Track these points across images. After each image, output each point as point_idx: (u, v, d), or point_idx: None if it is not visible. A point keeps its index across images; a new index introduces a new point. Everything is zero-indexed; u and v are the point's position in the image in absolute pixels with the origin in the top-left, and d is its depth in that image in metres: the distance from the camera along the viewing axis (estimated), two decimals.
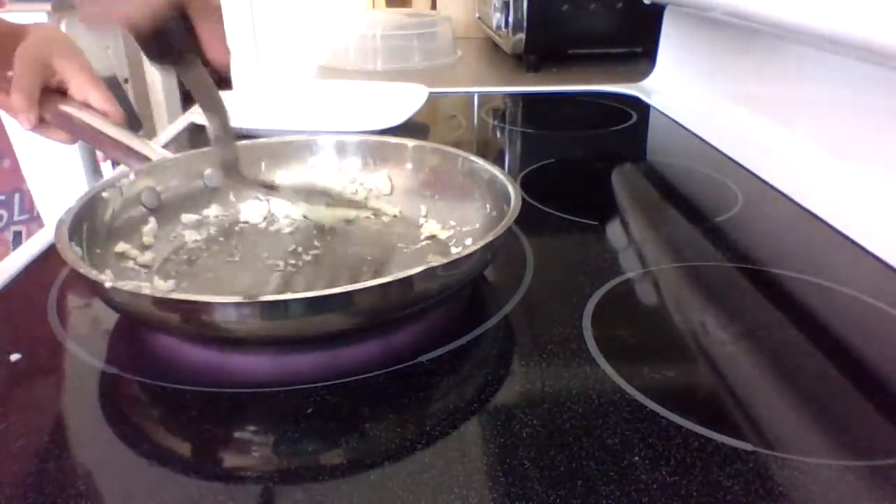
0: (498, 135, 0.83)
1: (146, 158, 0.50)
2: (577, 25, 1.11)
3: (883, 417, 0.32)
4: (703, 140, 0.74)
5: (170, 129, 0.80)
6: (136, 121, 2.84)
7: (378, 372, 0.35)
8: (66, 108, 0.52)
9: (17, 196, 0.65)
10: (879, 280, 0.45)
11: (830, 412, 0.32)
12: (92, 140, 0.52)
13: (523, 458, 0.29)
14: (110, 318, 0.39)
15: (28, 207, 0.66)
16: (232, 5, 1.35)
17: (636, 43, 1.16)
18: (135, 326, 0.39)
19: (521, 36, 1.11)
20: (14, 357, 0.36)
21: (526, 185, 0.62)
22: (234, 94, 0.94)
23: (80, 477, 0.28)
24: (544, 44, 1.12)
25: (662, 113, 0.86)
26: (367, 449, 0.30)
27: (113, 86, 2.71)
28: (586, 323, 0.39)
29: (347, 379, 0.34)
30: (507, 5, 1.11)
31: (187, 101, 3.07)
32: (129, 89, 2.91)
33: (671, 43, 0.98)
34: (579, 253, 0.49)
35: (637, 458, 0.29)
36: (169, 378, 0.34)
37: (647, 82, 1.00)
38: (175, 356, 0.36)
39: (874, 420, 0.32)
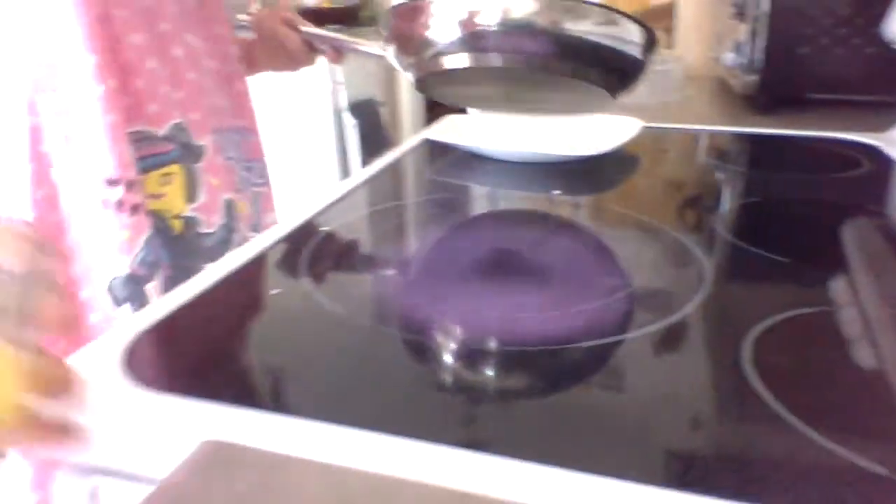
0: (709, 171, 0.83)
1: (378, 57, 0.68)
2: (820, 69, 1.06)
3: None
4: None
5: (406, 143, 0.92)
6: (386, 139, 3.17)
7: (542, 347, 0.39)
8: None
9: (258, 165, 0.79)
10: None
11: None
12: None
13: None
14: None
15: (264, 175, 0.80)
16: None
17: (885, 91, 1.07)
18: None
19: (755, 77, 1.08)
20: (274, 291, 0.47)
21: (729, 221, 0.63)
22: (467, 118, 1.04)
23: None
24: (779, 86, 1.08)
25: None
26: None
27: (370, 107, 3.06)
28: (746, 344, 0.40)
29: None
30: (742, 46, 1.10)
31: (431, 123, 3.35)
32: (383, 112, 3.25)
33: None
34: (757, 283, 0.49)
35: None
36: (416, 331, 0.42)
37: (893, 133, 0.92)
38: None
39: None
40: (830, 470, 0.30)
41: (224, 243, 0.68)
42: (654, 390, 0.36)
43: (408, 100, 3.56)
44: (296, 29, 0.79)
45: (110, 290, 0.59)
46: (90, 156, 0.57)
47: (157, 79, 0.61)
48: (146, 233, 0.60)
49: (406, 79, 0.67)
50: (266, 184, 0.79)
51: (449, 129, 0.89)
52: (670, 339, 0.42)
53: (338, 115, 2.88)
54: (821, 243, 0.58)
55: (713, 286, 0.48)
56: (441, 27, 0.59)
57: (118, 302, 0.59)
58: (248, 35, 0.82)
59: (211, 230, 0.66)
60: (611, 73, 0.60)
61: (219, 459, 0.30)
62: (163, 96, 0.62)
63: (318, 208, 0.65)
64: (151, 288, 0.60)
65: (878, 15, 0.93)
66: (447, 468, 0.30)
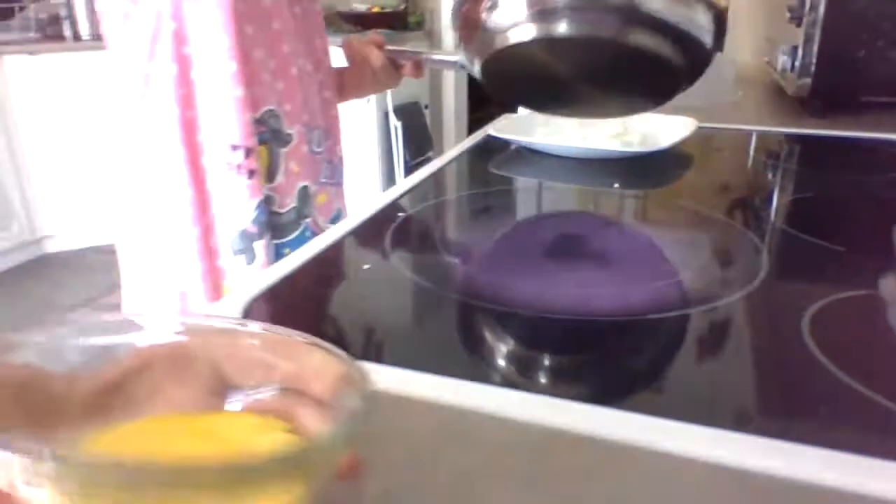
0: (763, 169, 0.86)
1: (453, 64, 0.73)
2: (874, 72, 1.07)
3: None
4: None
5: (459, 145, 0.96)
6: (429, 140, 3.22)
7: (627, 318, 0.43)
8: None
9: (339, 166, 0.85)
10: None
11: None
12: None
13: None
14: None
15: (341, 175, 0.86)
16: None
17: None
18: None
19: (807, 80, 1.10)
20: (365, 266, 0.51)
21: (783, 213, 0.66)
22: (526, 116, 1.08)
23: None
24: (833, 89, 1.10)
25: None
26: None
27: (415, 110, 3.12)
28: (805, 318, 0.43)
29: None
30: (796, 49, 1.11)
31: (473, 127, 3.40)
32: (427, 114, 3.31)
33: None
34: (813, 268, 0.52)
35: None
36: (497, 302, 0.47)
37: None
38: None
39: None
40: (885, 419, 0.33)
41: (293, 225, 0.74)
42: (723, 356, 0.40)
43: (451, 103, 3.62)
44: (381, 48, 0.84)
45: (231, 241, 0.69)
46: (221, 123, 0.67)
47: (263, 67, 0.69)
48: (260, 196, 0.69)
49: (477, 79, 0.71)
50: (341, 183, 0.86)
51: (510, 126, 0.93)
52: (735, 315, 0.45)
53: (383, 116, 2.95)
54: (872, 235, 0.61)
55: (772, 270, 0.51)
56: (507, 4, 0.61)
57: (235, 252, 0.69)
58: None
59: (282, 210, 0.73)
60: (682, 54, 0.60)
61: None
62: (264, 84, 0.69)
63: (394, 196, 0.69)
64: (260, 246, 0.69)
65: None
66: (533, 411, 0.34)
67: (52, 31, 3.00)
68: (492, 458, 0.33)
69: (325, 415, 0.27)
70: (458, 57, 0.72)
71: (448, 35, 3.45)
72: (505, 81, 0.72)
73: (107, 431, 0.27)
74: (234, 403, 0.30)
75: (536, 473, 0.32)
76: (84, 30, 2.93)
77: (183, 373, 0.30)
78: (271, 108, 0.70)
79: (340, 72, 0.87)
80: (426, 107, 3.29)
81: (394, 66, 0.85)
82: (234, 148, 0.67)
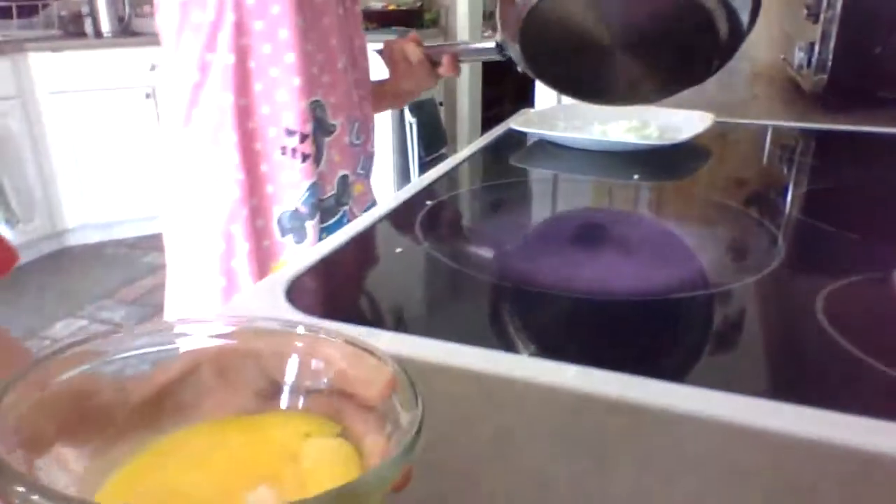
0: (779, 162, 0.88)
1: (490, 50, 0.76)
2: (892, 68, 1.08)
3: None
4: None
5: (480, 139, 0.99)
6: (443, 136, 3.25)
7: (639, 298, 0.46)
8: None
9: (371, 159, 0.89)
10: None
11: None
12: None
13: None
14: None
15: (371, 169, 0.90)
16: None
17: None
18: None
19: (823, 76, 1.11)
20: (398, 250, 0.54)
21: (799, 203, 0.68)
22: (545, 111, 1.10)
23: None
24: (849, 85, 1.11)
25: None
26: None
27: (429, 106, 3.15)
28: (819, 297, 0.45)
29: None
30: (812, 45, 1.13)
31: (486, 124, 3.43)
32: (442, 111, 3.33)
33: None
34: (827, 253, 0.54)
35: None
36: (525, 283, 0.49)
37: None
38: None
39: None
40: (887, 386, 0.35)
41: (332, 211, 0.78)
42: (741, 331, 0.42)
43: (465, 100, 3.64)
44: (419, 45, 0.87)
45: (279, 221, 0.74)
46: (279, 110, 0.72)
47: (312, 61, 0.73)
48: (312, 179, 0.74)
49: (516, 62, 0.74)
50: (370, 176, 0.89)
51: (530, 121, 0.96)
52: (753, 294, 0.48)
53: (398, 113, 2.98)
54: (885, 223, 0.63)
55: (788, 255, 0.54)
56: None
57: (283, 232, 0.74)
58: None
59: (323, 197, 0.76)
60: (724, 21, 0.62)
61: None
62: (313, 76, 0.73)
63: (421, 186, 0.72)
64: (310, 225, 0.74)
65: None
66: (563, 377, 0.36)
67: (75, 28, 3.05)
68: (526, 420, 0.35)
69: (375, 421, 0.28)
70: (497, 38, 0.75)
71: (463, 32, 3.47)
72: (543, 57, 0.73)
73: (155, 441, 0.28)
74: (284, 405, 0.30)
75: (567, 433, 0.34)
76: (105, 26, 2.98)
77: (230, 376, 0.30)
78: (317, 99, 0.75)
79: (379, 82, 0.90)
80: (440, 104, 3.32)
81: (431, 63, 0.87)
82: (290, 133, 0.72)
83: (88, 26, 3.01)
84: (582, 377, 0.35)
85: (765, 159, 0.89)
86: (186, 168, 0.74)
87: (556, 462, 0.36)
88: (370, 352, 0.29)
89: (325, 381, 0.30)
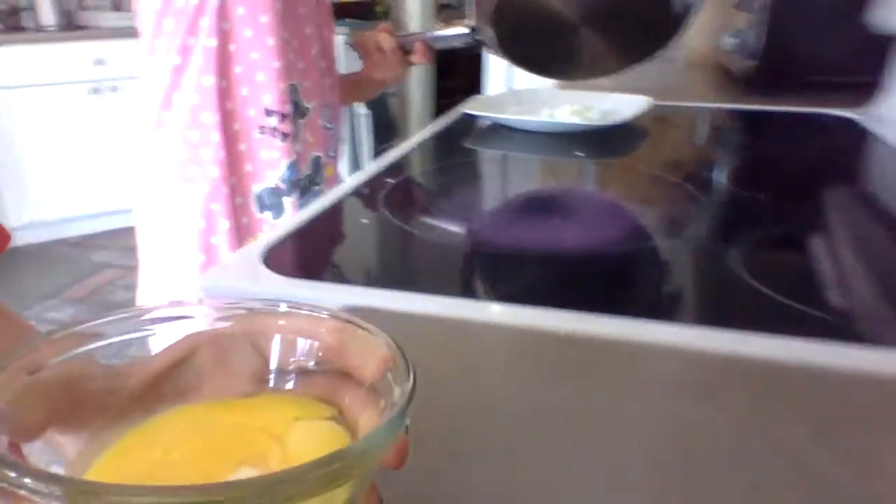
0: (710, 139, 0.95)
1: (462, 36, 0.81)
2: (814, 54, 1.17)
3: None
4: None
5: (434, 123, 1.03)
6: (395, 129, 3.28)
7: (588, 251, 0.51)
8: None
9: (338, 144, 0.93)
10: None
11: None
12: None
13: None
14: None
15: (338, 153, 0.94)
16: None
17: (869, 73, 1.18)
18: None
19: (754, 61, 1.20)
20: (364, 220, 0.59)
21: (726, 174, 0.75)
22: (496, 96, 1.16)
23: None
24: (777, 69, 1.20)
25: (877, 137, 0.91)
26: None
27: (381, 98, 3.18)
28: (735, 248, 0.52)
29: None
30: (741, 32, 1.21)
31: (438, 112, 3.48)
32: (393, 102, 3.37)
33: None
34: (746, 214, 0.61)
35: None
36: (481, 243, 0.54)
37: (872, 109, 1.04)
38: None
39: None
40: (795, 319, 0.42)
41: (306, 191, 0.82)
42: (672, 276, 0.48)
43: (417, 91, 3.68)
44: (390, 34, 0.91)
45: (258, 198, 0.78)
46: (259, 91, 0.76)
47: (288, 47, 0.77)
48: (291, 158, 0.78)
49: (489, 46, 0.79)
50: (338, 160, 0.93)
51: (482, 105, 1.01)
52: (682, 247, 0.54)
53: (350, 104, 3.00)
54: (792, 187, 0.70)
55: (711, 216, 0.60)
56: None
57: (262, 209, 0.78)
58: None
59: (300, 177, 0.80)
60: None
61: None
62: (289, 61, 0.77)
63: (383, 166, 0.76)
64: (288, 202, 0.79)
65: (867, 5, 1.05)
66: (528, 318, 0.41)
67: (13, 23, 2.98)
68: (498, 359, 0.40)
69: (370, 399, 0.28)
70: (470, 23, 0.79)
71: (413, 24, 3.50)
72: (516, 39, 0.80)
73: (147, 424, 0.28)
74: (279, 385, 0.30)
75: (538, 370, 0.39)
76: (49, 20, 2.92)
77: (227, 358, 0.30)
78: (293, 83, 0.79)
79: (351, 74, 0.94)
80: (392, 95, 3.35)
81: (403, 51, 0.91)
82: (269, 113, 0.76)
83: (28, 20, 2.93)
84: (544, 316, 0.41)
85: (697, 138, 0.97)
86: (166, 150, 0.76)
87: (521, 398, 0.41)
88: (365, 328, 0.29)
89: (321, 360, 0.30)
